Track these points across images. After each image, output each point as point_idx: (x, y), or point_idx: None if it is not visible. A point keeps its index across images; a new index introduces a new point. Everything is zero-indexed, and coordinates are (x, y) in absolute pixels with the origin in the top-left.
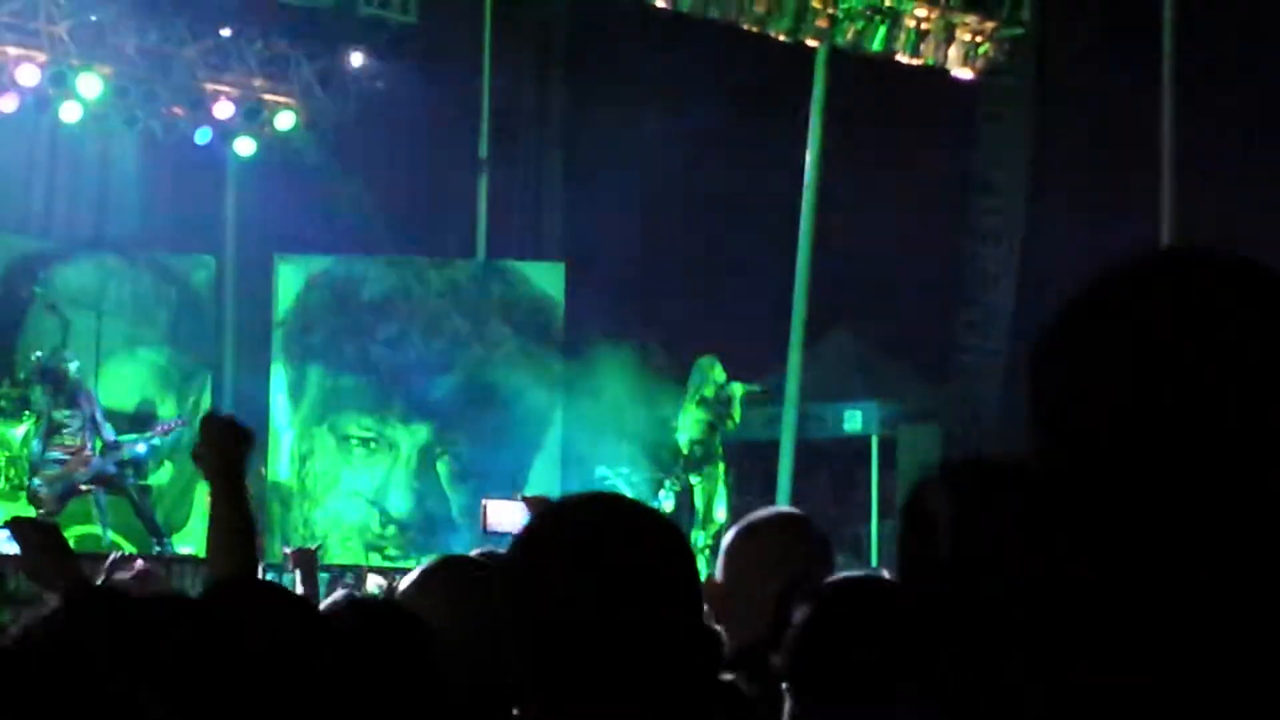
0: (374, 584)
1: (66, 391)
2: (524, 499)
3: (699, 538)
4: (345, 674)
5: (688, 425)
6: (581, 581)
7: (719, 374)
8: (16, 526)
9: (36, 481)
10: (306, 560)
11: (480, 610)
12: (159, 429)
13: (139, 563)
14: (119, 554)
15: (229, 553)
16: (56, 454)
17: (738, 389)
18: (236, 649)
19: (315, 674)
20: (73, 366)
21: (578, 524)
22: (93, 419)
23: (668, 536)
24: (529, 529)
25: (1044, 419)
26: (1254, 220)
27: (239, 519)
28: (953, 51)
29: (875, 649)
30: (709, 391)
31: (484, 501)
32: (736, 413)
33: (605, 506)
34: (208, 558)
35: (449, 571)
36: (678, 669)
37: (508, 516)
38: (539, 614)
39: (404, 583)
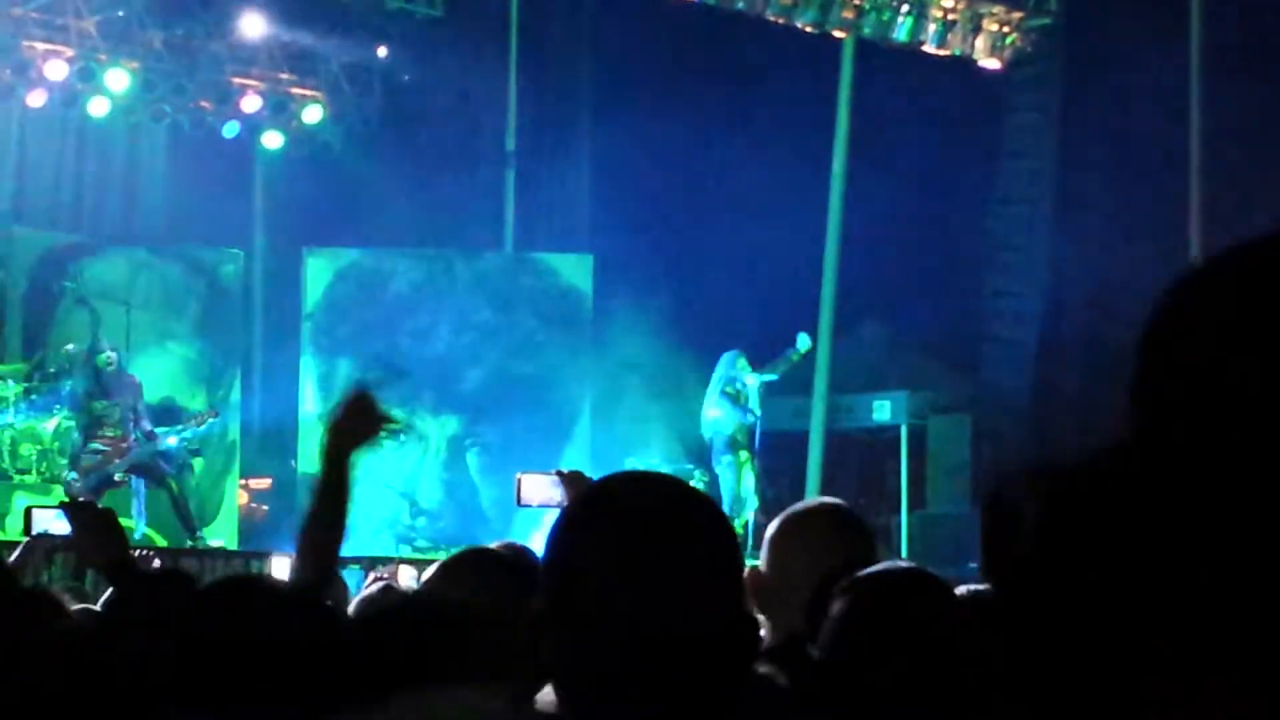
0: (407, 576)
1: (104, 384)
2: (559, 474)
3: None
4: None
5: (712, 418)
6: (622, 563)
7: (743, 366)
8: (69, 507)
9: (72, 475)
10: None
11: (501, 600)
12: (193, 420)
13: (156, 562)
14: (142, 552)
15: (322, 551)
16: (97, 445)
17: (755, 380)
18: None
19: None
20: (112, 357)
21: (620, 505)
22: (134, 409)
23: (711, 519)
24: (570, 509)
25: (1158, 400)
26: None
27: (338, 516)
28: (980, 42)
29: (910, 642)
30: (730, 386)
31: (518, 475)
32: (756, 404)
33: (649, 487)
34: (298, 551)
35: (471, 563)
36: (715, 658)
37: (542, 491)
38: (578, 597)
39: (427, 574)
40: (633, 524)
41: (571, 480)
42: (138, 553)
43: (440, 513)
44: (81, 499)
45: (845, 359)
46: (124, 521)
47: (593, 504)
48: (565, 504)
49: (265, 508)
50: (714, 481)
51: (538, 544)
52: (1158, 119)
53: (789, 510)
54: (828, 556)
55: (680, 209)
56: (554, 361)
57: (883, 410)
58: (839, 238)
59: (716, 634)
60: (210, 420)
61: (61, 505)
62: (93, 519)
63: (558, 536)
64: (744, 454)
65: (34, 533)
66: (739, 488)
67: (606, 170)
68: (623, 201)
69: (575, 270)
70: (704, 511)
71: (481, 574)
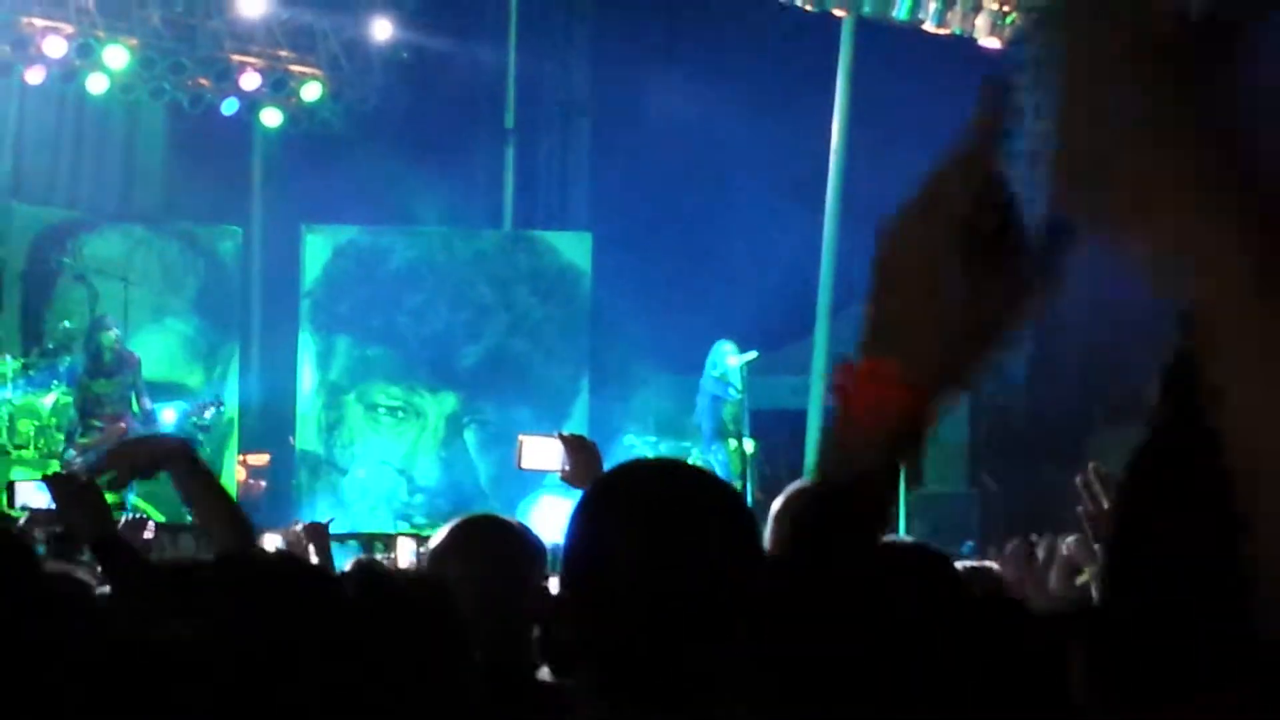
0: (406, 548)
1: (105, 362)
2: (561, 436)
3: None
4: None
5: (700, 404)
6: (646, 549)
7: (726, 351)
8: (52, 481)
9: (70, 453)
10: (318, 534)
11: (500, 568)
12: (197, 408)
13: (151, 524)
14: (134, 516)
15: (228, 522)
16: (96, 423)
17: (738, 360)
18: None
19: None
20: (115, 335)
21: (641, 492)
22: (134, 386)
23: (731, 504)
24: (590, 497)
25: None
26: None
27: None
28: (980, 20)
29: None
30: (716, 371)
31: (520, 437)
32: (739, 384)
33: (668, 473)
34: (210, 530)
35: (475, 529)
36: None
37: (543, 455)
38: (602, 583)
39: (433, 540)
40: (655, 511)
41: (573, 444)
42: (133, 516)
43: (438, 490)
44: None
45: (844, 337)
46: (114, 496)
47: (614, 491)
48: (566, 468)
49: (263, 484)
50: (707, 466)
51: (534, 522)
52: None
53: (793, 486)
54: None
55: (680, 187)
56: (552, 339)
57: None
58: (838, 215)
59: (739, 616)
60: (215, 410)
61: (44, 479)
62: (77, 492)
63: (579, 523)
64: (733, 442)
65: (16, 505)
66: (730, 471)
67: (605, 148)
68: (622, 180)
69: (574, 248)
70: (724, 497)
71: (484, 541)
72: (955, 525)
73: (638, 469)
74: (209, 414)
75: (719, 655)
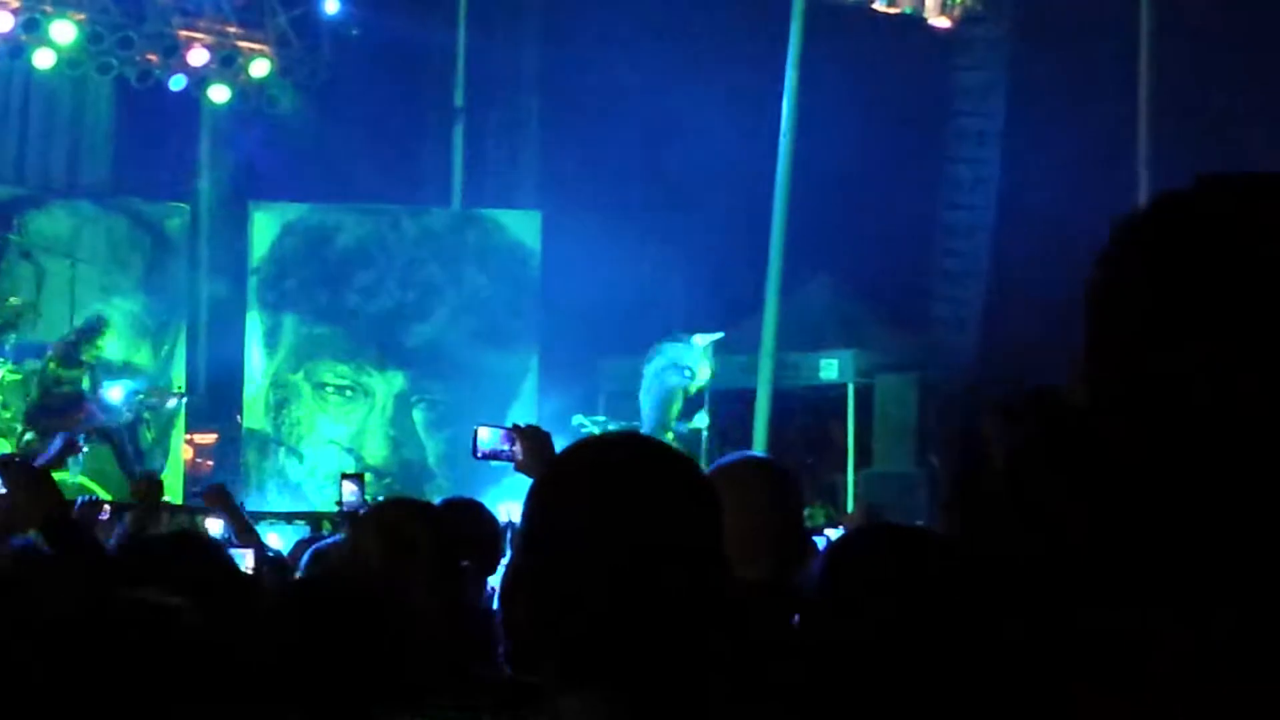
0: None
1: (79, 360)
2: (515, 427)
3: None
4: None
5: (645, 400)
6: (602, 524)
7: (682, 347)
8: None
9: (30, 435)
10: (219, 496)
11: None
12: (159, 395)
13: (105, 511)
14: (90, 498)
15: None
16: (54, 405)
17: (705, 340)
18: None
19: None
20: (103, 342)
21: (598, 466)
22: (93, 373)
23: (689, 477)
24: (548, 472)
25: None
26: (1232, 158)
27: None
28: (929, 0)
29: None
30: (665, 360)
31: (476, 428)
32: (709, 363)
33: (625, 446)
34: None
35: (393, 511)
36: (696, 613)
37: (498, 444)
38: (558, 557)
39: (350, 524)
40: (612, 485)
41: (527, 433)
42: (88, 499)
43: (386, 469)
44: (27, 460)
45: (792, 317)
46: (62, 476)
47: (571, 466)
48: (519, 458)
49: (210, 463)
50: None
51: (488, 501)
52: (1107, 73)
53: (716, 464)
54: (746, 508)
55: (629, 166)
56: (501, 318)
57: (830, 368)
58: (787, 195)
59: (697, 589)
60: (179, 400)
61: None
62: (22, 476)
63: (536, 499)
64: (670, 435)
65: None
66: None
67: (555, 126)
68: (571, 158)
69: (523, 226)
70: (682, 470)
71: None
72: (903, 504)
73: (596, 441)
74: (171, 404)
75: (683, 634)
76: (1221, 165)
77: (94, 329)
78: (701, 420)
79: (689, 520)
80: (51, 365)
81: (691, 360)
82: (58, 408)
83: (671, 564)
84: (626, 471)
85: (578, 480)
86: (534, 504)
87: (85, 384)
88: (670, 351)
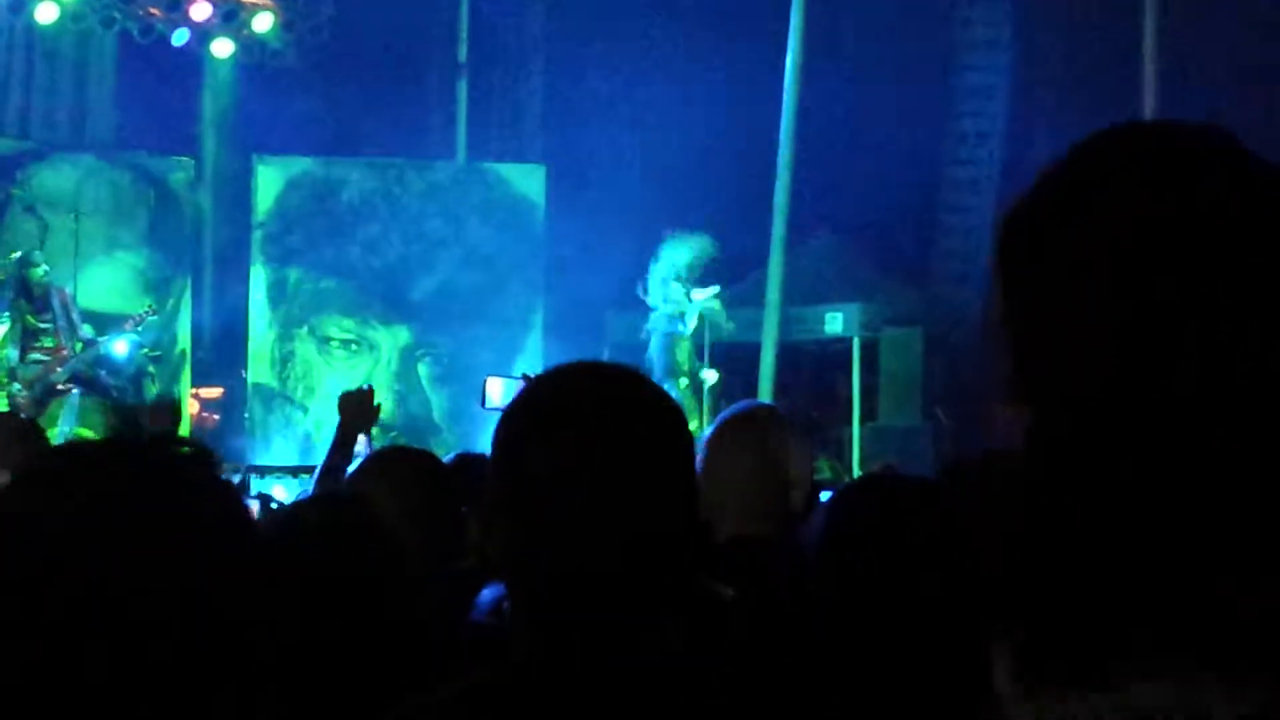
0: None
1: (37, 296)
2: (525, 378)
3: None
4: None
5: (653, 342)
6: (573, 458)
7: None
8: None
9: (16, 387)
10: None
11: (423, 497)
12: (129, 322)
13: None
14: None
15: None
16: (36, 356)
17: (704, 293)
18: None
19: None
20: (40, 270)
21: (570, 398)
22: (69, 319)
23: (666, 413)
24: (518, 403)
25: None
26: (1241, 114)
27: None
28: None
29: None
30: (670, 307)
31: (486, 379)
32: (720, 317)
33: (600, 378)
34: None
35: (395, 460)
36: (667, 556)
37: (508, 395)
38: (529, 493)
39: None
40: (584, 419)
41: None
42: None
43: (391, 423)
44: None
45: (797, 271)
46: (54, 432)
47: (542, 396)
48: None
49: (216, 417)
50: None
51: None
52: (1112, 30)
53: (725, 413)
54: (753, 454)
55: (633, 119)
56: (506, 272)
57: (835, 322)
58: (792, 148)
59: (668, 532)
60: (150, 318)
61: None
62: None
63: (506, 431)
64: (684, 381)
65: None
66: (689, 408)
67: (559, 80)
68: (575, 111)
69: (527, 180)
70: (658, 405)
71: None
72: (910, 457)
73: (565, 373)
74: (142, 322)
75: (643, 567)
76: (1231, 96)
77: (27, 261)
78: (709, 375)
79: (659, 461)
80: (21, 316)
81: (688, 309)
82: (40, 360)
83: (641, 505)
84: (594, 408)
85: (544, 417)
86: (501, 440)
87: (75, 345)
88: (668, 254)
